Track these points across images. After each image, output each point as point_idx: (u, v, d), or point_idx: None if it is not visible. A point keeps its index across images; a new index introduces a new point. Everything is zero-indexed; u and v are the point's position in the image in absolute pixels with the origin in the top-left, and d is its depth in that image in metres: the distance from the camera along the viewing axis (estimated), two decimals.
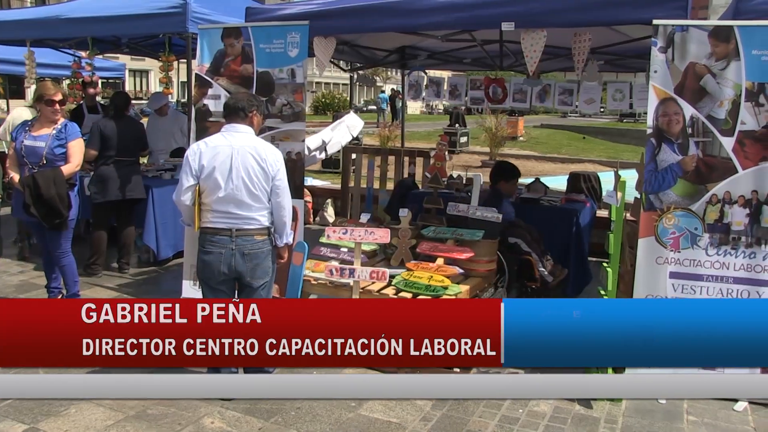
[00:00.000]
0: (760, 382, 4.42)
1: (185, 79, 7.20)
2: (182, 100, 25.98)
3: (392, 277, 5.14)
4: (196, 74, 6.06)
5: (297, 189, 5.40)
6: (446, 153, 6.28)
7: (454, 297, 4.90)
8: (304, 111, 5.86)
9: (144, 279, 7.19)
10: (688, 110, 4.58)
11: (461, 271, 5.19)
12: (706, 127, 4.56)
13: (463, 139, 22.64)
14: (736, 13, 4.78)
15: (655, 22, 4.60)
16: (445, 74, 10.58)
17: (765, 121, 4.50)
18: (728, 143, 4.54)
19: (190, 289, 6.01)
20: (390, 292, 5.07)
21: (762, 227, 4.54)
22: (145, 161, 8.35)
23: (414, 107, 53.86)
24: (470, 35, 6.74)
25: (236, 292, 4.41)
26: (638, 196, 4.91)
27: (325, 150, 9.94)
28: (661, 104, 4.61)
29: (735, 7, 4.83)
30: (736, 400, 4.61)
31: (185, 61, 7.06)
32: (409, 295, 4.96)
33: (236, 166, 4.17)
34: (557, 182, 11.27)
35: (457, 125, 22.51)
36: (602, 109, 7.91)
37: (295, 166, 5.62)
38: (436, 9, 5.27)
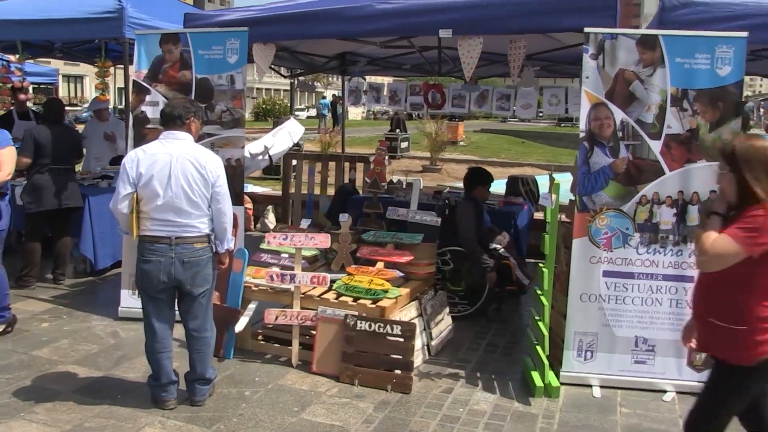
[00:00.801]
0: (686, 375, 4.63)
1: (122, 85, 7.10)
2: (120, 107, 25.50)
3: (333, 281, 5.18)
4: (133, 80, 5.99)
5: (237, 195, 5.38)
6: (385, 158, 6.35)
7: (394, 300, 4.97)
8: (244, 117, 5.85)
9: (80, 290, 7.04)
10: (619, 114, 4.75)
11: (401, 274, 5.27)
12: (635, 131, 4.75)
13: (404, 144, 22.81)
14: (660, 23, 4.97)
15: (586, 30, 4.77)
16: (386, 80, 10.68)
17: (689, 125, 4.71)
18: (656, 146, 4.74)
19: (129, 299, 5.94)
20: (331, 296, 5.10)
21: (688, 226, 4.75)
22: (80, 168, 8.17)
23: (355, 113, 53.98)
24: (409, 42, 6.83)
25: (176, 300, 4.37)
26: (573, 198, 5.06)
27: (270, 157, 9.91)
28: (593, 109, 4.77)
29: (659, 18, 5.02)
30: (665, 392, 4.80)
31: (122, 66, 6.96)
32: (349, 300, 5.00)
33: (175, 173, 4.13)
34: (497, 186, 11.42)
35: (398, 130, 22.67)
36: (541, 114, 8.12)
37: (235, 173, 5.61)
38: (374, 16, 5.34)
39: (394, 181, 8.38)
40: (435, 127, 19.62)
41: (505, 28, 5.12)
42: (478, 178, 6.64)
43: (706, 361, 4.63)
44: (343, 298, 5.05)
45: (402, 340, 4.72)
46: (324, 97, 37.85)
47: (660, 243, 4.78)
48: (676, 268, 4.79)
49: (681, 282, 4.79)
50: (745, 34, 4.71)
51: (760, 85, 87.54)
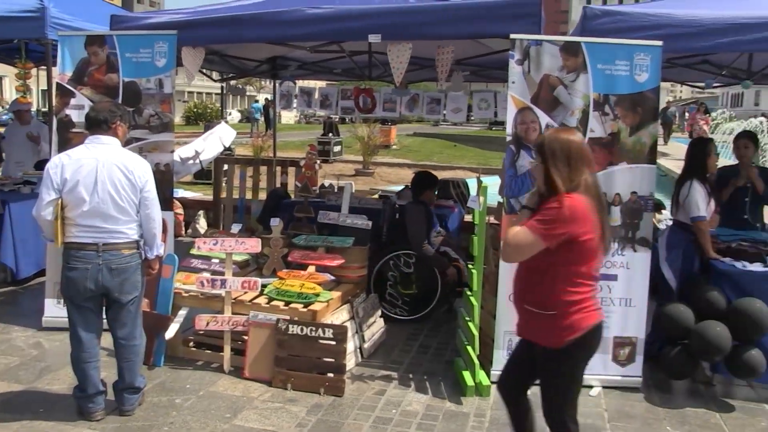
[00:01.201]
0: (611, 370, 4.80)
1: (45, 87, 6.89)
2: (43, 110, 24.69)
3: (264, 286, 5.16)
4: (57, 83, 5.83)
5: (166, 200, 5.31)
6: (316, 162, 6.37)
7: (326, 303, 4.98)
8: (173, 122, 5.77)
9: (1, 300, 6.80)
10: (544, 119, 4.89)
11: (332, 278, 5.29)
12: None
13: (337, 148, 22.82)
14: (582, 31, 5.13)
15: (512, 36, 4.89)
16: (318, 84, 10.68)
17: (610, 129, 4.89)
18: None
19: (54, 308, 5.77)
20: (262, 301, 5.09)
21: (611, 226, 4.90)
22: (0, 173, 7.90)
23: (289, 117, 53.65)
24: (339, 46, 6.86)
25: (104, 308, 4.28)
26: (501, 201, 5.18)
27: (200, 161, 9.79)
28: (519, 113, 4.90)
29: (582, 26, 5.18)
30: (591, 387, 4.97)
31: (45, 68, 6.75)
32: (281, 304, 5.00)
33: (101, 179, 4.05)
34: None
35: (330, 134, 22.67)
36: (472, 117, 8.25)
37: (164, 178, 5.52)
38: (303, 21, 5.35)
39: (326, 185, 8.40)
40: (367, 131, 19.69)
41: (434, 34, 5.20)
42: (426, 181, 6.73)
43: (629, 355, 4.83)
44: (274, 303, 5.04)
45: (334, 343, 4.73)
46: (256, 101, 37.43)
47: None
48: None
49: (605, 280, 4.93)
50: (660, 42, 4.91)
51: (681, 91, 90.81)
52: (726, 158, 13.17)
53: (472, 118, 8.48)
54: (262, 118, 35.79)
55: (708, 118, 23.25)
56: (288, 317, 4.88)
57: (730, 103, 73.18)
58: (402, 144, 28.68)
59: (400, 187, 8.59)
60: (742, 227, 5.96)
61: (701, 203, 5.24)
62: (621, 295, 4.99)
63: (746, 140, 6.21)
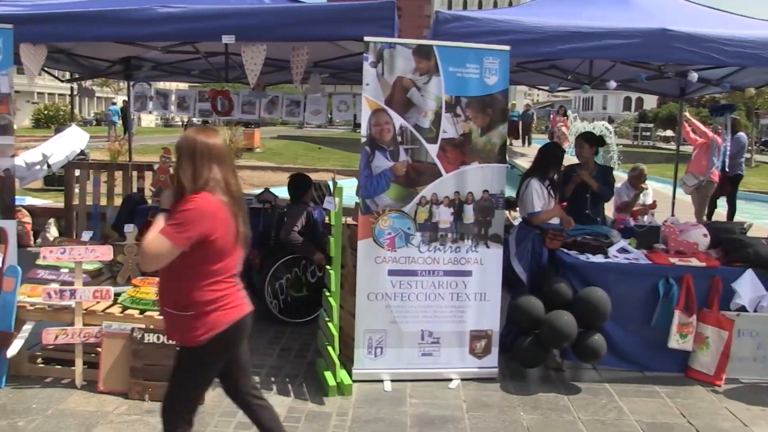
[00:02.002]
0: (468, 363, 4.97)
1: None
2: None
3: (117, 295, 4.96)
4: None
5: (7, 208, 5.02)
6: (171, 166, 6.18)
7: None
8: (12, 124, 5.38)
9: None
10: (398, 120, 4.99)
11: None
12: (413, 136, 5.01)
13: None
14: (434, 35, 5.28)
15: (366, 38, 4.96)
16: (179, 86, 10.38)
17: (462, 129, 5.07)
18: (433, 150, 5.04)
19: None
20: (116, 310, 4.88)
21: (464, 224, 5.11)
22: None
23: (149, 120, 51.70)
24: (194, 47, 6.69)
25: None
26: (358, 201, 5.24)
27: (48, 165, 9.23)
28: (374, 115, 4.98)
29: (434, 30, 5.33)
30: (450, 380, 5.13)
31: None
32: (136, 313, 4.82)
33: None
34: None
35: None
36: (338, 120, 8.27)
37: (4, 184, 5.17)
38: (153, 20, 5.17)
39: None
40: (229, 134, 19.31)
41: (288, 36, 5.19)
42: (305, 183, 6.69)
43: (485, 347, 5.02)
44: (129, 312, 4.85)
45: None
46: (114, 103, 35.77)
47: (440, 241, 5.10)
48: (455, 263, 5.13)
49: (460, 276, 5.14)
50: (508, 47, 5.15)
51: (538, 95, 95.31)
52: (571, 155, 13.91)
53: (337, 121, 8.52)
54: (120, 121, 34.28)
55: (567, 121, 24.49)
56: (144, 326, 4.71)
57: (581, 106, 77.74)
58: (266, 147, 28.32)
59: (259, 190, 8.48)
60: (585, 222, 6.34)
61: (535, 200, 5.61)
62: (476, 290, 5.18)
63: (581, 140, 6.68)
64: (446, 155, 5.05)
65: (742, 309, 5.48)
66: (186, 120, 23.63)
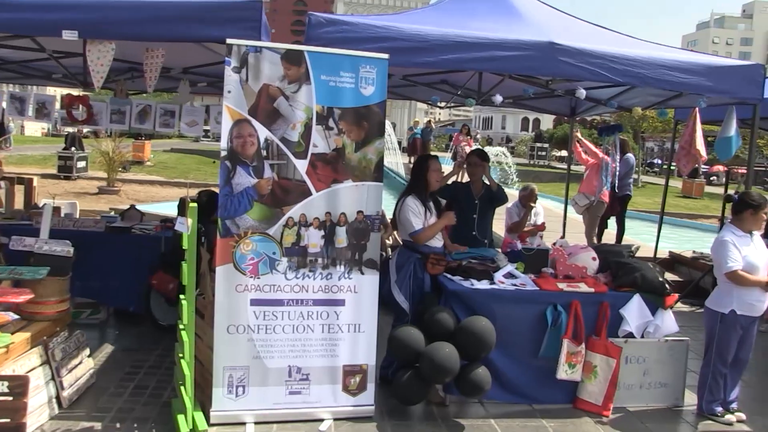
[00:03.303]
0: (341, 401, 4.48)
1: None
2: None
3: None
4: None
5: None
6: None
7: (4, 349, 4.13)
8: None
9: None
10: (263, 132, 4.47)
11: (16, 317, 4.42)
12: (280, 150, 4.50)
13: (81, 164, 20.79)
14: (307, 39, 4.82)
15: (228, 41, 4.43)
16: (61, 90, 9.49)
17: (334, 144, 4.59)
18: (302, 166, 4.54)
19: None
20: None
21: (336, 248, 4.62)
22: None
23: (35, 128, 48.95)
24: (35, 42, 5.81)
25: None
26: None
27: None
28: (236, 125, 4.44)
29: (306, 34, 4.87)
30: (322, 420, 4.64)
31: None
32: None
33: None
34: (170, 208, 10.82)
35: (73, 149, 20.64)
36: (216, 132, 7.69)
37: None
38: None
39: (40, 204, 7.37)
40: (112, 145, 18.18)
41: (139, 34, 4.56)
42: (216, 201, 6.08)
43: (360, 384, 4.54)
44: None
45: (10, 398, 3.92)
46: None
47: (309, 267, 4.59)
48: (326, 292, 4.64)
49: (332, 306, 4.65)
50: (386, 55, 4.73)
51: (440, 113, 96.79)
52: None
53: (212, 132, 7.94)
54: None
55: (470, 140, 24.44)
56: None
57: (481, 125, 79.60)
58: (157, 160, 27.14)
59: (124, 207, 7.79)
60: (472, 243, 6.02)
61: (413, 218, 5.21)
62: (349, 321, 4.70)
63: (475, 158, 6.58)
64: (317, 172, 4.56)
65: (630, 335, 5.29)
66: (70, 130, 22.19)
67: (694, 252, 10.62)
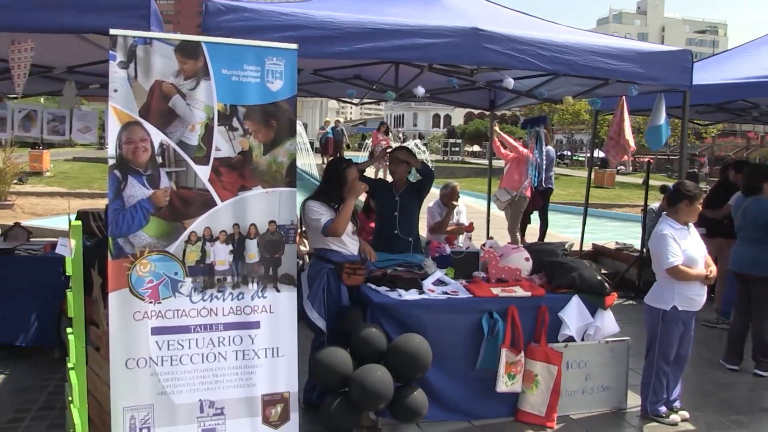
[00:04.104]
0: None
1: None
2: None
3: None
4: None
5: None
6: None
7: None
8: None
9: None
10: (158, 136, 3.89)
11: None
12: (178, 155, 3.93)
13: None
14: (204, 29, 4.28)
15: (112, 32, 3.82)
16: None
17: (240, 146, 4.05)
18: (204, 172, 3.97)
19: None
20: None
21: (247, 264, 4.08)
22: None
23: None
24: None
25: None
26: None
27: None
28: (125, 129, 3.83)
29: (203, 24, 4.33)
30: None
31: None
32: None
33: None
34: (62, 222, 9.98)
35: None
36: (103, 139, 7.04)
37: None
38: None
39: None
40: (3, 155, 16.88)
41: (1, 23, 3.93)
42: None
43: (282, 414, 4.02)
44: None
45: None
46: None
47: (217, 287, 4.02)
48: (238, 314, 4.08)
49: (246, 329, 4.10)
50: (295, 45, 4.22)
51: (351, 112, 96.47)
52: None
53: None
54: None
55: (389, 139, 23.94)
56: None
57: (393, 123, 79.87)
58: (58, 170, 25.61)
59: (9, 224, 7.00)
60: (395, 243, 5.67)
61: (318, 215, 4.76)
62: (266, 345, 4.15)
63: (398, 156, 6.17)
64: (221, 179, 4.00)
65: (570, 339, 4.99)
66: None
67: (617, 243, 10.54)
